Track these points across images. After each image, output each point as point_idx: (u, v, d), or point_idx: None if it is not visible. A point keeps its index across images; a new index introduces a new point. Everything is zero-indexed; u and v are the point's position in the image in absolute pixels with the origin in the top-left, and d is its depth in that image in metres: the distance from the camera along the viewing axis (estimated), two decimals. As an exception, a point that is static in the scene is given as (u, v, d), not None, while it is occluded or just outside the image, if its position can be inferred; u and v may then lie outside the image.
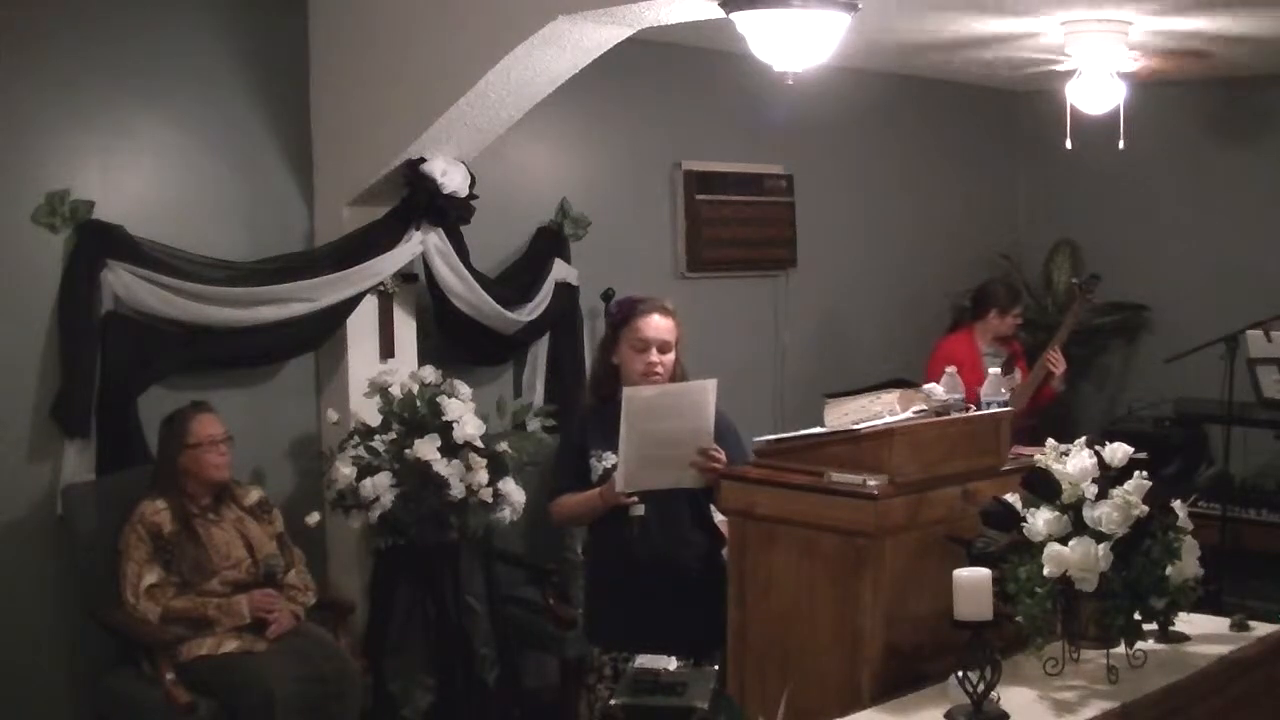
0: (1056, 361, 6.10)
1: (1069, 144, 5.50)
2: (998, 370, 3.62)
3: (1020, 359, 6.27)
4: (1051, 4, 4.90)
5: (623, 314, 3.86)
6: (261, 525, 4.43)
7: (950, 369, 3.54)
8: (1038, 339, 6.83)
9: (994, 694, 2.77)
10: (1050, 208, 7.77)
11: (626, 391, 3.67)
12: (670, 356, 3.82)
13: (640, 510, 3.74)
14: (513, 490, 4.77)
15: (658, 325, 3.80)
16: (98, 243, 4.36)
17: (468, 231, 5.04)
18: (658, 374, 3.78)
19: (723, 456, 3.63)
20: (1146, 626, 3.03)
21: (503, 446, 4.77)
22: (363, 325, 4.95)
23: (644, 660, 2.98)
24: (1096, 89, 5.46)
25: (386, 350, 5.01)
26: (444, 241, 4.94)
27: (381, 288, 4.92)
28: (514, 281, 5.41)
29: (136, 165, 4.61)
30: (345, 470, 4.58)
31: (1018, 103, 7.70)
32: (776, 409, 6.49)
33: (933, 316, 7.23)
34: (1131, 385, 7.49)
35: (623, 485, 3.66)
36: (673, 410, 3.64)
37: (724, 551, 3.71)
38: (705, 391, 3.67)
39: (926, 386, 3.46)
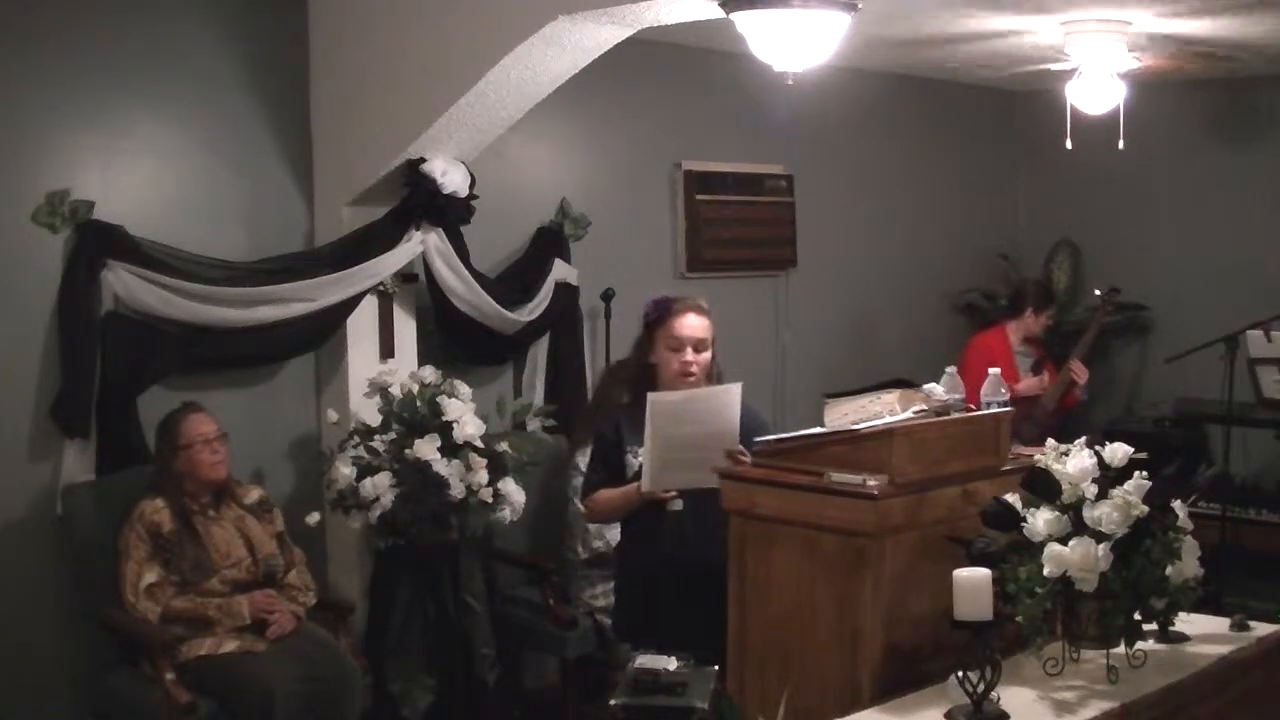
0: (1080, 372, 6.31)
1: (1069, 144, 5.50)
2: (997, 371, 3.61)
3: (1048, 362, 6.36)
4: (1052, 2, 4.89)
5: (658, 313, 3.87)
6: (262, 524, 4.42)
7: (950, 369, 3.54)
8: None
9: (994, 694, 2.77)
10: (1050, 208, 7.77)
11: (651, 397, 3.67)
12: (706, 355, 3.84)
13: (679, 505, 3.76)
14: (513, 490, 4.76)
15: (693, 325, 3.82)
16: (98, 243, 4.36)
17: (468, 231, 5.04)
18: (693, 373, 3.80)
19: (749, 458, 3.62)
20: (1146, 626, 3.03)
21: (503, 446, 4.76)
22: (363, 325, 4.95)
23: (644, 660, 2.98)
24: (1096, 89, 5.47)
25: (386, 350, 5.00)
26: (444, 241, 4.94)
27: (381, 288, 4.91)
28: (514, 281, 5.41)
29: (136, 165, 4.60)
30: (345, 470, 4.58)
31: (1017, 103, 7.69)
32: (776, 409, 6.48)
33: (933, 316, 7.23)
34: (1131, 385, 7.50)
35: (647, 486, 3.69)
36: (698, 414, 3.65)
37: None
38: (730, 394, 3.67)
39: (926, 386, 3.44)
